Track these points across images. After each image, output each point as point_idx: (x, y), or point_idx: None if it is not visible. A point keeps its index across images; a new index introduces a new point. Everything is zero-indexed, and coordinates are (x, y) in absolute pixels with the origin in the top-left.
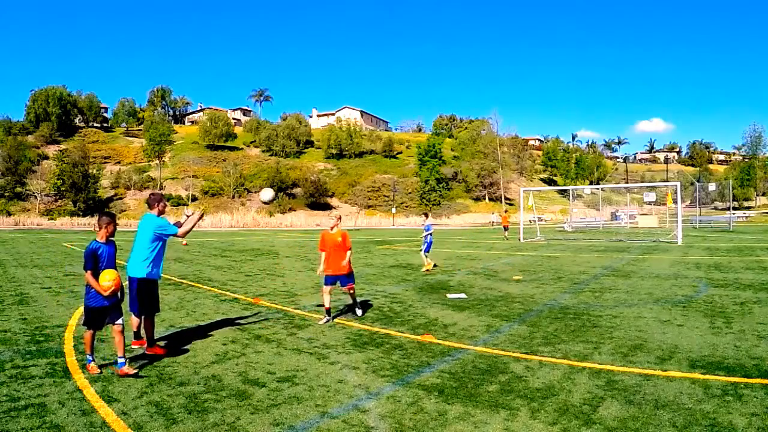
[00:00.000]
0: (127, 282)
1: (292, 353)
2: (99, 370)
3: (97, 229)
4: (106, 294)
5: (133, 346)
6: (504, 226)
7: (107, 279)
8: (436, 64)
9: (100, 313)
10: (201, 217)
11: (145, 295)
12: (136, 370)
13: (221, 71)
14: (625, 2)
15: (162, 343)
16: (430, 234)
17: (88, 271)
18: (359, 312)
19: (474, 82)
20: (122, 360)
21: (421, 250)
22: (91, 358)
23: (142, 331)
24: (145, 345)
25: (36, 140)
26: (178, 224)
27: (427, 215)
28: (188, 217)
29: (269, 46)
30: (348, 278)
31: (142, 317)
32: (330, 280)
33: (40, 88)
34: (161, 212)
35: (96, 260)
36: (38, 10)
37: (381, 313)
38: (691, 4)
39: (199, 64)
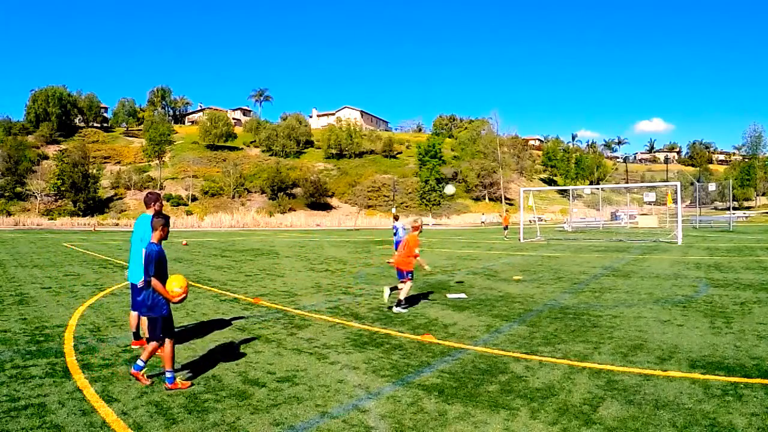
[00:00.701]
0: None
1: (292, 353)
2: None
3: (154, 230)
4: (175, 301)
5: (132, 346)
6: (504, 226)
7: (177, 285)
8: (436, 64)
9: (171, 320)
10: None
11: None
12: (189, 383)
13: (221, 71)
14: (625, 2)
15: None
16: (395, 234)
17: (153, 278)
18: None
19: (474, 82)
20: (171, 374)
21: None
22: (141, 365)
23: (141, 332)
24: (145, 344)
25: (36, 140)
26: (151, 263)
27: (397, 218)
28: (184, 244)
29: (269, 46)
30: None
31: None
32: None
33: (40, 88)
34: (157, 212)
35: (161, 264)
36: (38, 10)
37: (381, 313)
38: (690, 4)
39: (199, 64)
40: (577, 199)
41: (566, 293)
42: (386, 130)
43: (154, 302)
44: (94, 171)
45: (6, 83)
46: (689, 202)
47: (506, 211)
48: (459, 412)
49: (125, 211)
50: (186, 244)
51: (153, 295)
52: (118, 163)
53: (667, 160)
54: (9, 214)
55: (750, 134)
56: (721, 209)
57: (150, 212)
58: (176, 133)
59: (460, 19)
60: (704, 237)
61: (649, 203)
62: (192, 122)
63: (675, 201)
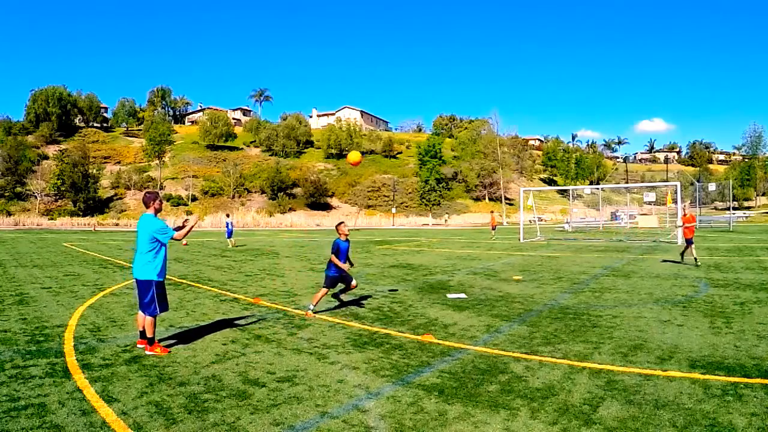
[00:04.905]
0: (136, 285)
1: (292, 353)
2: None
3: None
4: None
5: (138, 346)
6: (492, 226)
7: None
8: (436, 64)
9: (336, 280)
10: (196, 222)
11: (163, 296)
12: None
13: (221, 71)
14: (625, 2)
15: (165, 343)
16: (227, 227)
17: (333, 255)
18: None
19: (474, 82)
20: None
21: (227, 238)
22: (312, 307)
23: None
24: (146, 344)
25: (36, 140)
26: (178, 228)
27: (228, 215)
28: (186, 222)
29: (269, 46)
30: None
31: (146, 317)
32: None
33: (40, 88)
34: (157, 210)
35: (338, 251)
36: (38, 10)
37: (381, 313)
38: (691, 4)
39: (199, 64)
40: (577, 199)
41: (566, 293)
42: (386, 130)
43: (329, 269)
44: (94, 171)
45: (6, 83)
46: (689, 202)
47: (492, 212)
48: (459, 412)
49: (125, 211)
50: (186, 244)
51: (330, 264)
52: (118, 163)
53: (667, 160)
54: (9, 214)
55: (750, 134)
56: (721, 209)
57: (150, 212)
58: (176, 133)
59: (460, 19)
60: (704, 237)
61: (649, 203)
62: (192, 122)
63: (675, 201)
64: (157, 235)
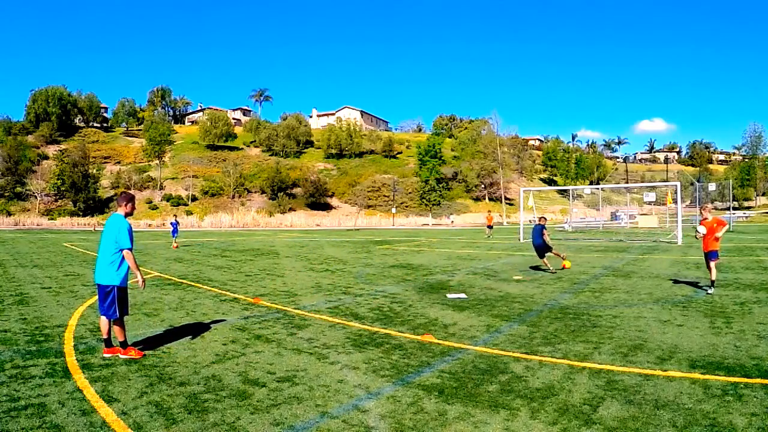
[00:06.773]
0: (98, 288)
1: (292, 353)
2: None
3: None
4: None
5: (104, 355)
6: (488, 225)
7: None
8: (436, 64)
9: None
10: (142, 282)
11: (124, 300)
12: None
13: (221, 71)
14: (625, 2)
15: (165, 343)
16: (175, 228)
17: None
18: (711, 290)
19: (474, 82)
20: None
21: (172, 237)
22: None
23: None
24: (119, 350)
25: (36, 140)
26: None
27: (175, 216)
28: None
29: (269, 46)
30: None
31: (111, 321)
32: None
33: (40, 88)
34: (128, 214)
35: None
36: (38, 10)
37: (381, 313)
38: (691, 4)
39: (199, 64)
40: (577, 199)
41: (566, 293)
42: (386, 130)
43: (538, 238)
44: (94, 171)
45: (6, 83)
46: (689, 202)
47: (489, 211)
48: (459, 412)
49: None
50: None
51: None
52: (118, 163)
53: (667, 160)
54: (9, 214)
55: (750, 134)
56: (721, 209)
57: (121, 212)
58: (176, 133)
59: (460, 19)
60: None
61: (649, 203)
62: (192, 122)
63: (675, 201)
64: (118, 236)
